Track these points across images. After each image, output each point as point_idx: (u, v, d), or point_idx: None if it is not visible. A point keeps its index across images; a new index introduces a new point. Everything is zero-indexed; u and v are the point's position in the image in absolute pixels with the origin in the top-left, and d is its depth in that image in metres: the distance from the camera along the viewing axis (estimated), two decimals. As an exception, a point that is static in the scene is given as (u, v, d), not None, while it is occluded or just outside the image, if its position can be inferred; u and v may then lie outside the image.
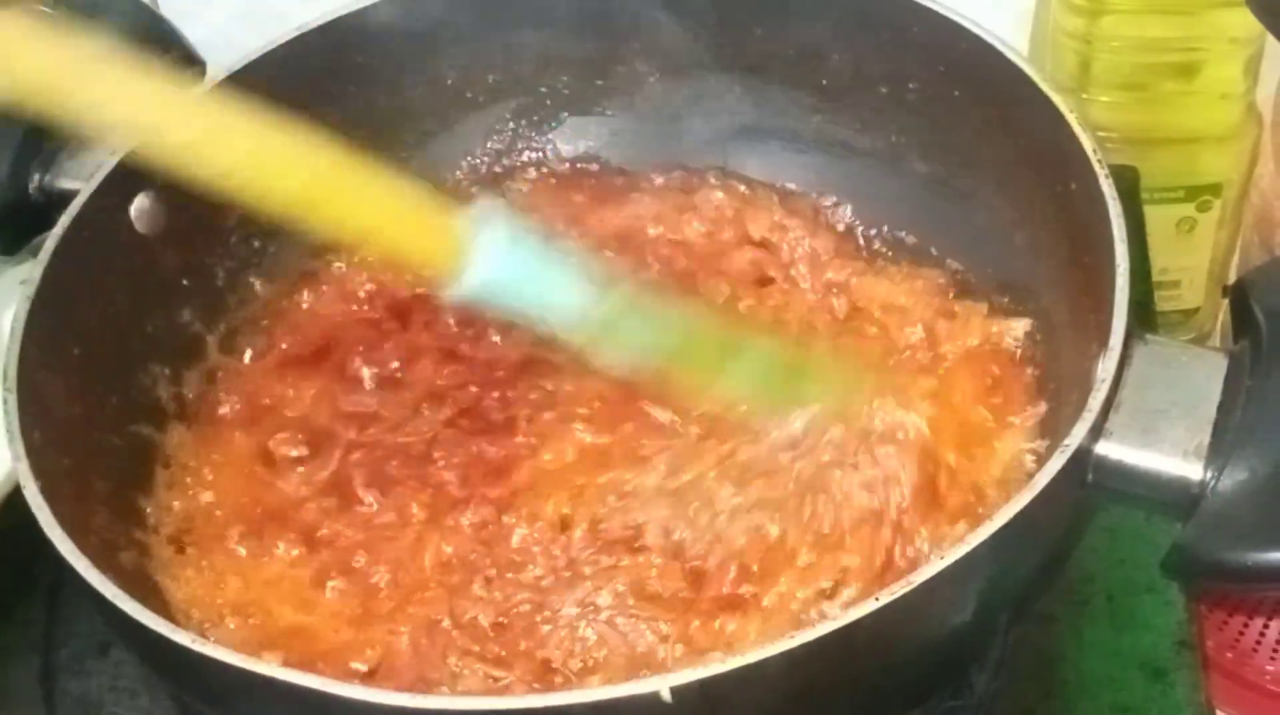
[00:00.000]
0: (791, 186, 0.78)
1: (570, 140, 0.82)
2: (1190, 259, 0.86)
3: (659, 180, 0.79)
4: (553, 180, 0.81)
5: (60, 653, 0.68)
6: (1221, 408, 0.55)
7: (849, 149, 0.77)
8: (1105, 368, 0.55)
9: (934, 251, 0.74)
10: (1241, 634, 0.75)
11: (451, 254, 0.60)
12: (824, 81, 0.76)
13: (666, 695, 0.49)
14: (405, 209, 0.60)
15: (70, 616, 0.68)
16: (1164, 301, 0.85)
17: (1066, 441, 0.53)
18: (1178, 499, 0.54)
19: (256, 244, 0.76)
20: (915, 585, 0.50)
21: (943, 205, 0.74)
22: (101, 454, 0.66)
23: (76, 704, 0.66)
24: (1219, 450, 0.53)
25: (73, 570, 0.54)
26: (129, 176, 0.70)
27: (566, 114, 0.81)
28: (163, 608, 0.61)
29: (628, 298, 0.64)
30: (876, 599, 0.50)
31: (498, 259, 0.60)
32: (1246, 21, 0.69)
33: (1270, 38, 0.69)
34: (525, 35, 0.79)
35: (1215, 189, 0.81)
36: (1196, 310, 0.89)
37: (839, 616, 0.49)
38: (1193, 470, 0.54)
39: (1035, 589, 0.63)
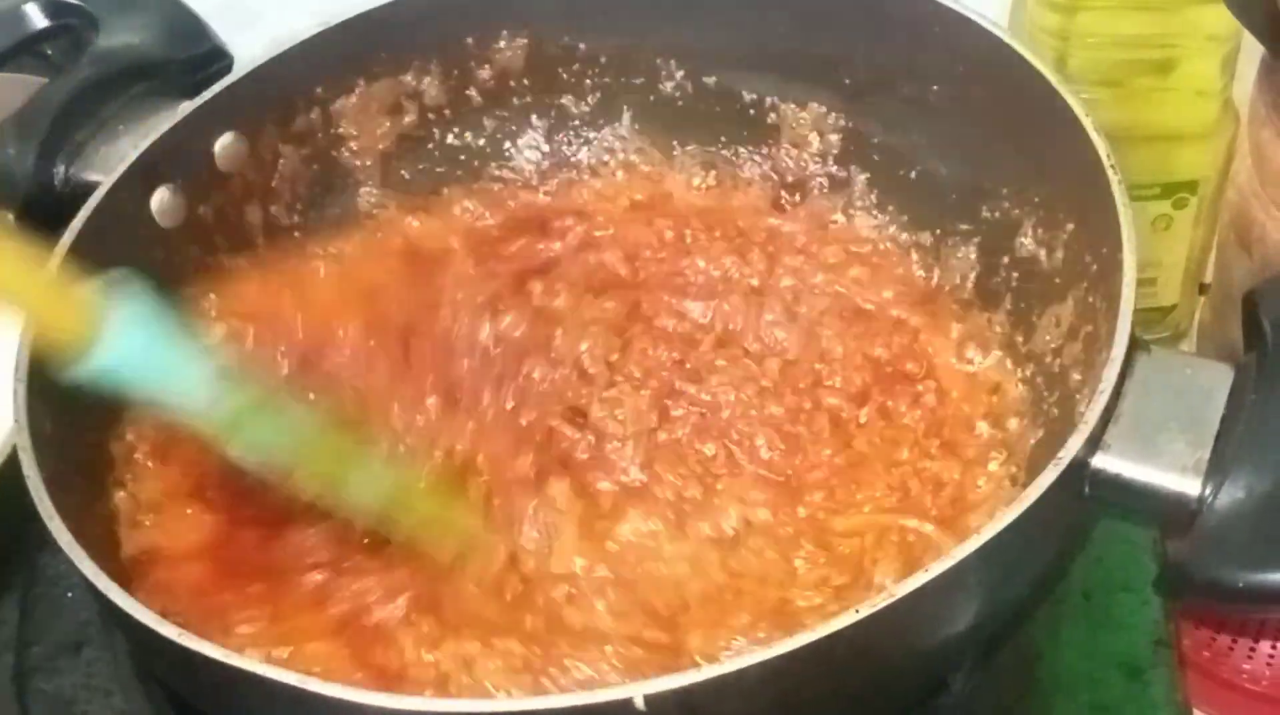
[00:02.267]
0: (813, 186, 0.78)
1: (589, 131, 0.81)
2: (1166, 256, 0.85)
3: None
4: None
5: (33, 651, 0.68)
6: (1224, 422, 0.53)
7: (870, 149, 0.76)
8: (1105, 377, 0.54)
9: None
10: (1217, 632, 0.74)
11: (82, 325, 0.56)
12: (846, 81, 0.75)
13: (640, 703, 0.48)
14: (35, 280, 0.58)
15: (43, 615, 0.68)
16: (1140, 299, 0.82)
17: (1061, 453, 0.52)
18: (1176, 515, 0.53)
19: (277, 242, 0.77)
20: (898, 597, 0.49)
21: (961, 206, 0.72)
22: (117, 447, 0.67)
23: (50, 703, 0.66)
24: (1218, 466, 0.52)
25: (72, 564, 0.55)
26: (151, 170, 0.71)
27: (589, 109, 0.81)
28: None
29: (259, 397, 0.60)
30: (857, 610, 0.49)
31: (127, 336, 0.56)
32: (1223, 18, 0.68)
33: (1247, 34, 0.68)
34: (550, 31, 0.79)
35: (1192, 186, 0.80)
36: (1173, 308, 0.87)
37: (819, 627, 0.49)
38: (1191, 486, 0.52)
39: (1031, 603, 0.62)
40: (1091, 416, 0.53)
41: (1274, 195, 0.66)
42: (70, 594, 0.68)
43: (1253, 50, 0.69)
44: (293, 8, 0.76)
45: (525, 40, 0.79)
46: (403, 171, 0.80)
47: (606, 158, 0.81)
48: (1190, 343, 0.89)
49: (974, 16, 0.68)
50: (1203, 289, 0.87)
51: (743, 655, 0.48)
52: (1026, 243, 0.68)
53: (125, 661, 0.65)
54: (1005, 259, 0.69)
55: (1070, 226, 0.64)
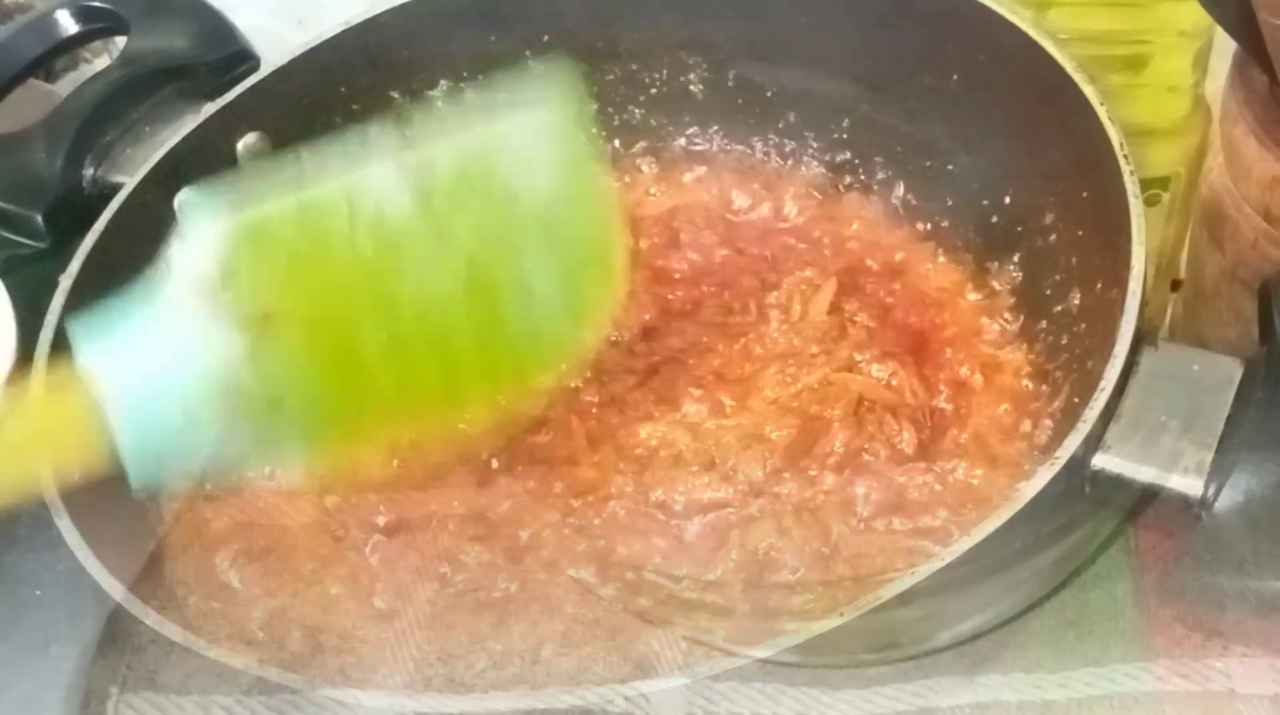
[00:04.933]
0: (834, 177, 0.77)
1: (608, 126, 0.81)
2: (1138, 252, 0.83)
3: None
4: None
5: (1, 649, 0.67)
6: (1229, 421, 0.51)
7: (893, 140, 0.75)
8: (1106, 375, 0.52)
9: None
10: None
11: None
12: (866, 72, 0.74)
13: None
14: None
15: (10, 614, 0.68)
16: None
17: (1058, 452, 0.51)
18: (1177, 518, 0.51)
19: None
20: (883, 600, 0.48)
21: (982, 195, 0.71)
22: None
23: (20, 701, 0.65)
24: (1220, 468, 0.50)
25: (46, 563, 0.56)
26: (175, 170, 0.72)
27: (605, 106, 0.80)
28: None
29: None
30: (841, 614, 0.48)
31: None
32: (1195, 14, 0.66)
33: (1219, 30, 0.67)
34: (573, 27, 0.79)
35: (1164, 183, 0.78)
36: (1145, 305, 0.85)
37: (800, 630, 0.48)
38: (1193, 487, 0.51)
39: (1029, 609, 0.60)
40: (1091, 415, 0.51)
41: (1246, 192, 0.64)
42: (38, 592, 0.68)
43: (1225, 46, 0.68)
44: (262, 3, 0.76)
45: (548, 38, 0.79)
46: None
47: (625, 153, 0.80)
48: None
49: (994, 7, 0.67)
50: (1175, 286, 0.85)
51: (726, 659, 0.48)
52: (1046, 231, 0.67)
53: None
54: (1025, 247, 0.68)
55: (1086, 216, 0.63)
